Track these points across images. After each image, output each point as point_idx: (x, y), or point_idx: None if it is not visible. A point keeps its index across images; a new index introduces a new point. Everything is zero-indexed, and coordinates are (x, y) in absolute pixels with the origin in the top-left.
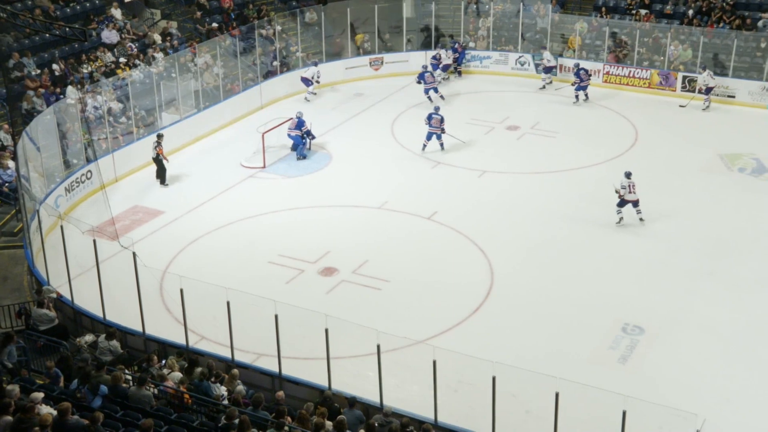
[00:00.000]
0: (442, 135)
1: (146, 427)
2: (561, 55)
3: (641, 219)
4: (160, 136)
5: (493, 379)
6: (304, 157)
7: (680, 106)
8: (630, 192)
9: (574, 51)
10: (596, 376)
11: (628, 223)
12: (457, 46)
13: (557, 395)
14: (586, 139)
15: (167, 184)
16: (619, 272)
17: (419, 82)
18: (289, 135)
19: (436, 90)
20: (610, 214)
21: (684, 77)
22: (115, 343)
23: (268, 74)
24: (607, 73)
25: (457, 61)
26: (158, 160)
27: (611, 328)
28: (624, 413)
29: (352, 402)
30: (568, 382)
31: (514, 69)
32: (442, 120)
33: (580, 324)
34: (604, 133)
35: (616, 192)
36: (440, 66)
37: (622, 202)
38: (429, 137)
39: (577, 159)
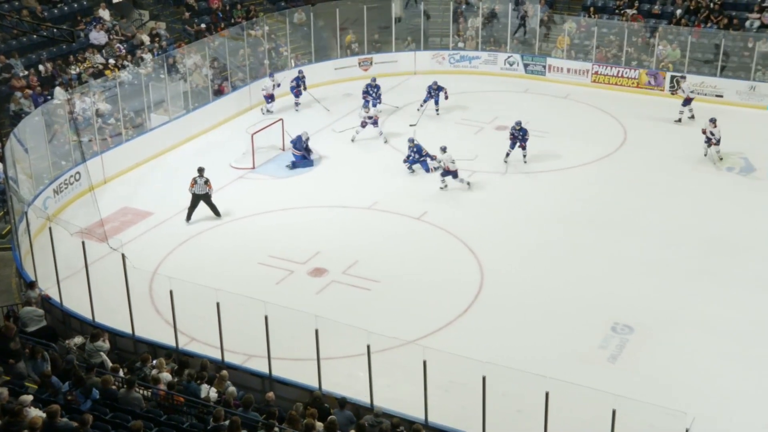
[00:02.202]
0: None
1: (136, 428)
2: (549, 55)
3: (445, 186)
4: (202, 170)
5: (483, 378)
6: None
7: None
8: (452, 163)
9: (562, 51)
10: (586, 375)
11: (616, 221)
12: (435, 89)
13: (547, 394)
14: (575, 139)
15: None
16: (610, 271)
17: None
18: (293, 154)
19: (375, 123)
20: (601, 214)
21: (672, 77)
22: (100, 344)
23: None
24: (596, 73)
25: (435, 102)
26: (209, 197)
27: (601, 327)
28: (614, 412)
29: (343, 403)
30: (558, 382)
31: (503, 69)
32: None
33: (570, 323)
34: (594, 133)
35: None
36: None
37: (445, 173)
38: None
39: (567, 158)
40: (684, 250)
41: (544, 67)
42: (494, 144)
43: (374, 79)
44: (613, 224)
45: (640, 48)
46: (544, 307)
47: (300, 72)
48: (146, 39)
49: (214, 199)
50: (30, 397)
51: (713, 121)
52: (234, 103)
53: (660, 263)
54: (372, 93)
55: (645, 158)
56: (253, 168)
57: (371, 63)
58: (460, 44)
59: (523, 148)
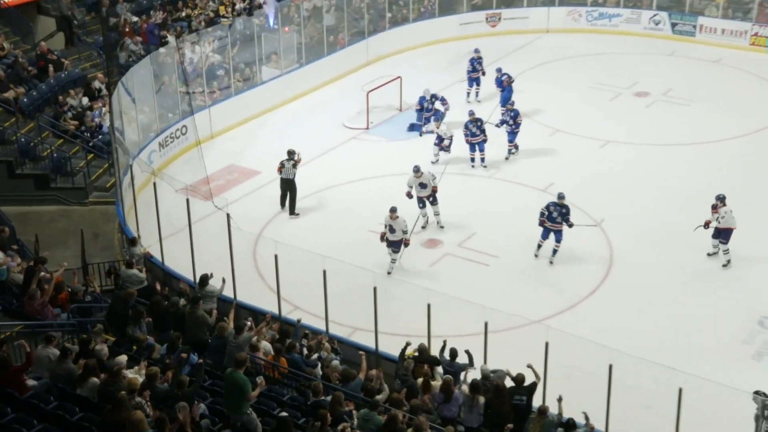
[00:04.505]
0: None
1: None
2: (702, 14)
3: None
4: (292, 153)
5: (610, 367)
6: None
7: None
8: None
9: (718, 8)
10: (726, 372)
11: (762, 205)
12: (504, 78)
13: (681, 391)
14: (725, 109)
15: (297, 214)
16: (753, 260)
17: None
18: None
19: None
20: (746, 195)
21: None
22: (212, 287)
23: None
24: (756, 34)
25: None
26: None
27: (745, 320)
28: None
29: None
30: (694, 377)
31: (647, 29)
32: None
33: (708, 314)
34: (748, 103)
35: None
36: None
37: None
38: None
39: (713, 131)
40: None
41: (695, 27)
42: (632, 112)
43: (472, 113)
44: (758, 208)
45: None
46: (679, 293)
47: (476, 52)
48: None
49: (313, 172)
50: (124, 358)
51: (721, 199)
52: (350, 58)
53: None
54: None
55: None
56: (367, 128)
57: (499, 19)
58: None
59: (558, 237)
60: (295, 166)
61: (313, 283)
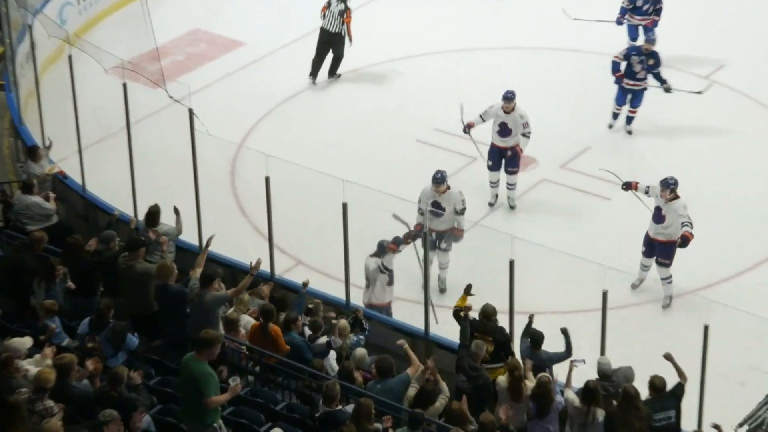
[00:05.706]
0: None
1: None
2: None
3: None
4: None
5: None
6: None
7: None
8: None
9: None
10: None
11: None
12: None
13: None
14: None
15: (339, 75)
16: None
17: None
18: None
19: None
20: None
21: None
22: (166, 227)
23: None
24: None
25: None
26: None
27: None
28: None
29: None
30: None
31: None
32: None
33: None
34: None
35: None
36: None
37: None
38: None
39: None
40: None
41: None
42: None
43: (651, 38)
44: None
45: None
46: None
47: None
48: None
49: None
50: (27, 342)
51: (669, 185)
52: None
53: None
54: None
55: None
56: None
57: None
58: None
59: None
60: (342, 14)
61: (328, 223)
